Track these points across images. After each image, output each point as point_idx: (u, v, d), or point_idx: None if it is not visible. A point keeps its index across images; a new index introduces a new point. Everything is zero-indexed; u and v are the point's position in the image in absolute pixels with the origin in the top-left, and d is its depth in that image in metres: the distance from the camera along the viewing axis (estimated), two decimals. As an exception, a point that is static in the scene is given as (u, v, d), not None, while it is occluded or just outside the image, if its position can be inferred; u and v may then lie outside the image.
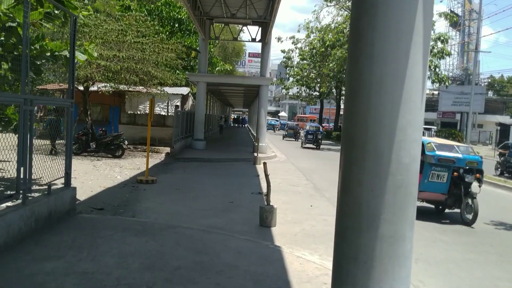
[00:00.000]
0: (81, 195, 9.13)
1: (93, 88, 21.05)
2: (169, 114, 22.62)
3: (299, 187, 12.57)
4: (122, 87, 19.78)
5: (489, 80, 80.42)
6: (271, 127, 55.62)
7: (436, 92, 61.35)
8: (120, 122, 22.98)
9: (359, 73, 3.15)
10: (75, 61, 7.30)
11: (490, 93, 77.09)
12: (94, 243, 5.79)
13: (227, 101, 51.07)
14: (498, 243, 8.05)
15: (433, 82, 28.59)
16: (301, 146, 30.01)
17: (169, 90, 21.97)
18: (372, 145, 3.10)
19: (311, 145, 29.57)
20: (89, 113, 19.07)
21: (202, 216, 8.41)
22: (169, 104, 22.32)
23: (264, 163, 8.15)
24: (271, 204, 7.96)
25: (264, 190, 11.69)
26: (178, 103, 22.49)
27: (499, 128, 45.95)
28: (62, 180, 7.03)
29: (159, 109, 22.56)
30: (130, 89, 20.31)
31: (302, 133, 33.26)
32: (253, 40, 22.36)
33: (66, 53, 7.05)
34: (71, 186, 7.14)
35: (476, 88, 55.35)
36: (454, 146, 10.10)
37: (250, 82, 22.22)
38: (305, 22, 39.87)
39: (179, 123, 19.88)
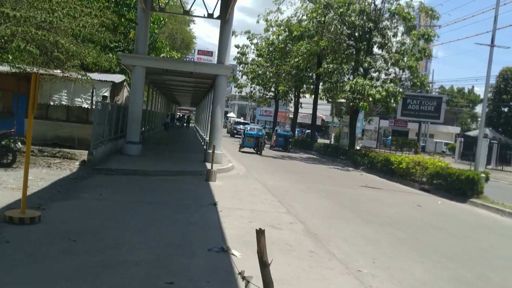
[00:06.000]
0: None
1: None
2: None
3: (285, 232, 7.80)
4: (29, 68, 14.32)
5: (440, 90, 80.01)
6: (251, 140, 25.59)
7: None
8: (27, 115, 17.18)
9: None
10: None
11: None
12: None
13: (173, 98, 45.46)
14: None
15: (413, 85, 24.84)
16: None
17: (95, 76, 16.57)
18: None
19: None
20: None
21: None
22: (94, 94, 16.87)
23: (259, 234, 3.25)
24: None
25: (231, 240, 6.85)
26: (107, 93, 17.08)
27: (462, 140, 43.69)
28: None
29: (81, 100, 17.06)
30: (41, 71, 14.78)
31: None
32: (210, 15, 17.31)
33: None
34: None
35: (437, 97, 53.37)
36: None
37: (204, 70, 17.15)
38: (266, 12, 35.29)
39: (104, 120, 14.57)
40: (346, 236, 7.97)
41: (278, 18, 35.91)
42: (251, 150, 25.48)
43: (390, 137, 58.61)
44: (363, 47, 24.55)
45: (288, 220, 8.71)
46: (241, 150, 25.56)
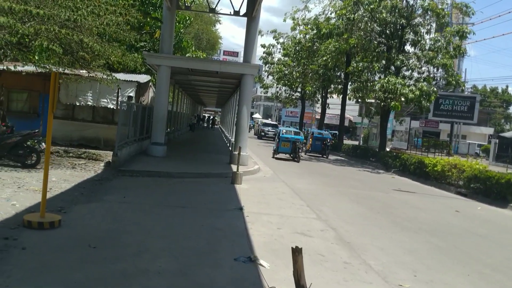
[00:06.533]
0: None
1: (16, 68, 15.45)
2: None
3: (316, 239, 7.30)
4: (55, 68, 14.23)
5: (472, 90, 77.60)
6: (287, 145, 21.99)
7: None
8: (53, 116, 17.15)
9: None
10: None
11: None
12: None
13: (199, 98, 45.37)
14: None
15: (448, 84, 23.86)
16: None
17: (121, 76, 16.42)
18: None
19: None
20: (1, 99, 13.39)
21: None
22: (119, 94, 16.71)
23: (296, 253, 2.80)
24: None
25: (259, 249, 6.41)
26: (132, 94, 16.90)
27: (497, 141, 42.09)
28: None
29: (107, 101, 16.93)
30: (66, 71, 14.69)
31: None
32: (237, 13, 16.94)
33: None
34: None
35: (470, 96, 51.72)
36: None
37: (230, 69, 16.76)
38: (293, 10, 34.73)
39: (129, 121, 14.36)
40: (382, 245, 7.42)
41: (305, 16, 35.36)
42: (286, 156, 22.55)
43: (420, 138, 57.02)
44: (394, 45, 23.77)
45: (318, 227, 8.21)
46: (275, 156, 22.44)
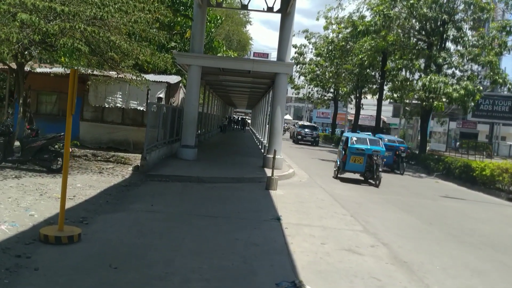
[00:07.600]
0: None
1: (42, 69, 15.20)
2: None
3: (367, 258, 6.38)
4: (84, 69, 13.81)
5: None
6: (360, 161, 14.65)
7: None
8: (82, 118, 16.80)
9: None
10: None
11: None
12: None
13: (229, 99, 44.79)
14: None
15: (494, 82, 22.34)
16: None
17: (150, 77, 15.87)
18: None
19: None
20: (27, 101, 13.02)
21: None
22: (149, 95, 16.15)
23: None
24: None
25: (303, 270, 5.55)
26: (162, 95, 16.32)
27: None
28: None
29: (136, 102, 16.40)
30: (95, 72, 14.25)
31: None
32: (270, 9, 16.10)
33: None
34: None
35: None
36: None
37: (263, 68, 15.89)
38: (326, 8, 33.70)
39: (159, 123, 13.74)
40: (443, 264, 6.43)
41: (338, 15, 34.23)
42: (356, 175, 15.57)
43: (457, 139, 54.70)
44: (435, 42, 22.46)
45: (367, 242, 7.27)
46: (339, 175, 15.54)
